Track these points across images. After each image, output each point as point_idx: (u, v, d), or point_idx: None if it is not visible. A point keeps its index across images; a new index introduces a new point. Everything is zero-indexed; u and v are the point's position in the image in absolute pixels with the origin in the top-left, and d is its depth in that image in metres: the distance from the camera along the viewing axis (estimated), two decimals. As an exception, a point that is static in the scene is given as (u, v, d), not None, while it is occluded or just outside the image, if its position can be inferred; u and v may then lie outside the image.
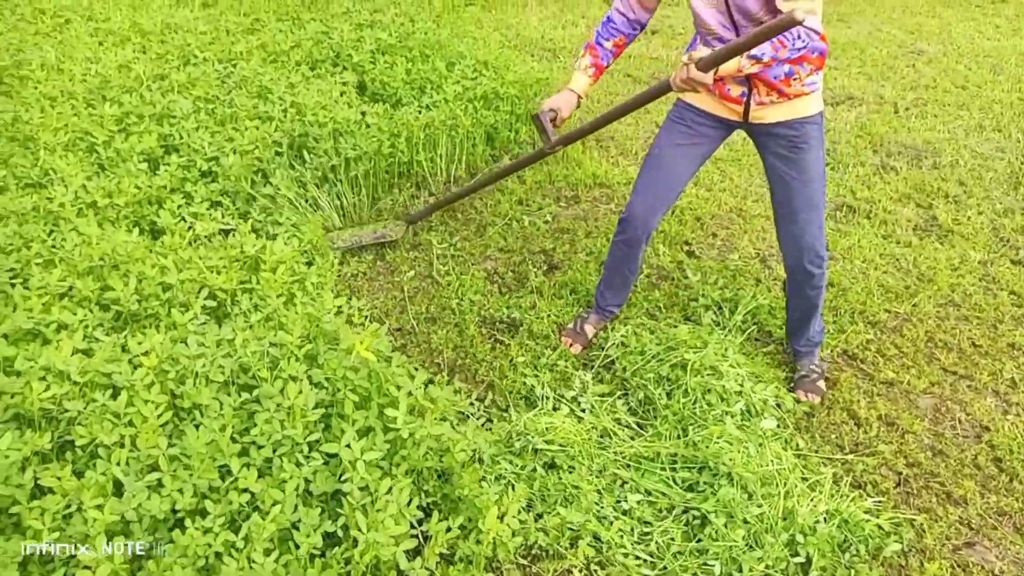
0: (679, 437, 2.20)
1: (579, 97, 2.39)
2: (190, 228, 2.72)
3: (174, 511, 1.64)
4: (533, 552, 1.92)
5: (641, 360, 2.47)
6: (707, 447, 2.13)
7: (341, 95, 3.82)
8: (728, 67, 1.94)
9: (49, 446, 1.72)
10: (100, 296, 2.26)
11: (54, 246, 2.44)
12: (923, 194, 3.90)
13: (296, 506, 1.63)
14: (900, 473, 2.25)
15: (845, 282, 3.11)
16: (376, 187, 3.54)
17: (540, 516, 1.99)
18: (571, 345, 2.67)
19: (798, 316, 2.52)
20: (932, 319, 2.94)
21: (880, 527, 2.03)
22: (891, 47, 6.40)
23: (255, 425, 1.77)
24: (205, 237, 2.70)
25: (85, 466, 1.73)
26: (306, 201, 3.23)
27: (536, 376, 2.47)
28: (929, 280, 3.17)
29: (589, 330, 2.71)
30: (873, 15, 7.50)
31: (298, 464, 1.72)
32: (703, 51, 1.91)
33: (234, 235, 2.80)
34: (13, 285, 2.21)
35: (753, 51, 1.88)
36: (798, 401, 2.46)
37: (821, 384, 2.52)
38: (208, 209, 2.91)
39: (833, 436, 2.37)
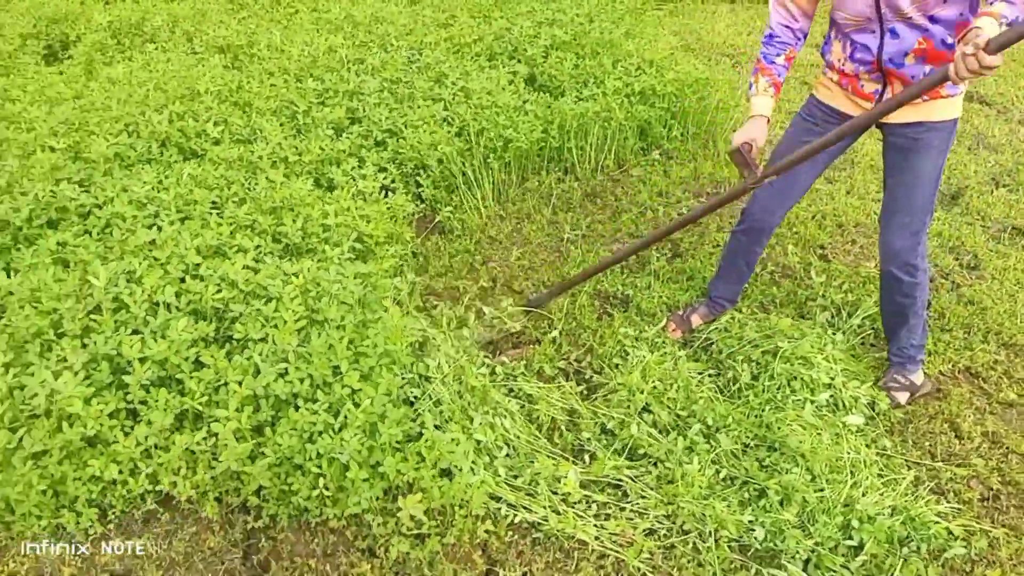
0: (757, 417, 2.26)
1: (767, 121, 2.26)
2: (356, 185, 3.13)
3: (294, 395, 2.00)
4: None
5: (737, 344, 2.53)
6: (779, 429, 2.18)
7: (510, 83, 4.13)
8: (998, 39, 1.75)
9: (213, 335, 2.15)
10: (275, 230, 2.71)
11: (248, 188, 2.94)
12: (1112, 225, 3.53)
13: (385, 406, 1.93)
14: (992, 488, 2.16)
15: (987, 301, 2.94)
16: (527, 168, 3.81)
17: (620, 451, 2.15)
18: (673, 330, 2.75)
19: (888, 320, 2.47)
20: (1079, 349, 2.71)
21: (950, 531, 1.98)
22: (1124, 69, 5.71)
23: (367, 338, 2.09)
24: (368, 193, 3.10)
25: (236, 352, 2.13)
26: (464, 175, 3.57)
27: (634, 347, 2.61)
28: (1089, 310, 2.91)
29: (695, 320, 2.78)
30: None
31: (394, 374, 2.01)
32: (983, 33, 1.68)
33: (392, 194, 3.20)
34: (211, 213, 2.71)
35: (1005, 12, 1.72)
36: (894, 405, 2.41)
37: (899, 396, 2.44)
38: (377, 172, 3.32)
39: (927, 443, 2.31)
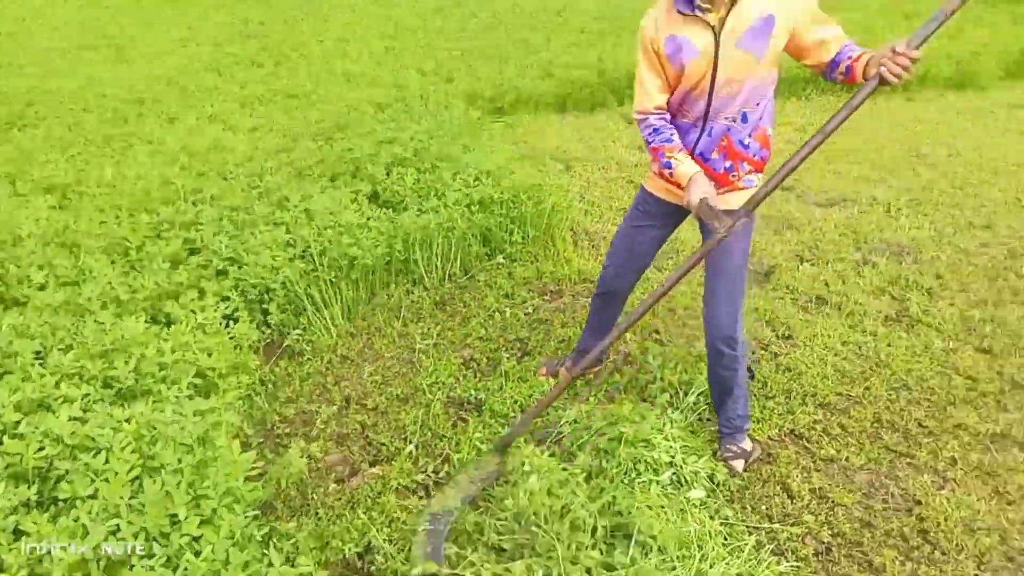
0: (608, 505, 2.33)
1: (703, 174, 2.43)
2: (195, 317, 3.05)
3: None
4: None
5: (586, 435, 2.63)
6: (630, 513, 2.26)
7: (352, 201, 4.23)
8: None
9: (36, 498, 1.99)
10: (105, 375, 2.58)
11: (75, 333, 2.80)
12: (898, 287, 4.00)
13: (228, 551, 1.85)
14: (823, 542, 2.32)
15: (802, 367, 3.23)
16: (375, 283, 3.87)
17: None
18: (543, 373, 3.10)
19: (715, 392, 2.68)
20: (882, 401, 3.02)
21: (791, 591, 2.10)
22: (894, 152, 6.59)
23: (207, 479, 2.01)
24: (209, 325, 3.03)
25: (64, 513, 1.98)
26: (310, 297, 3.57)
27: (489, 451, 2.64)
28: (886, 365, 3.25)
29: (563, 373, 3.05)
30: (883, 123, 7.72)
31: (235, 513, 1.94)
32: (904, 37, 1.94)
33: (236, 323, 3.14)
34: (33, 364, 2.55)
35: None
36: (732, 474, 2.57)
37: (736, 464, 2.62)
38: (219, 302, 3.26)
39: (763, 507, 2.46)
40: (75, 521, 1.91)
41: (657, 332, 3.55)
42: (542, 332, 3.55)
